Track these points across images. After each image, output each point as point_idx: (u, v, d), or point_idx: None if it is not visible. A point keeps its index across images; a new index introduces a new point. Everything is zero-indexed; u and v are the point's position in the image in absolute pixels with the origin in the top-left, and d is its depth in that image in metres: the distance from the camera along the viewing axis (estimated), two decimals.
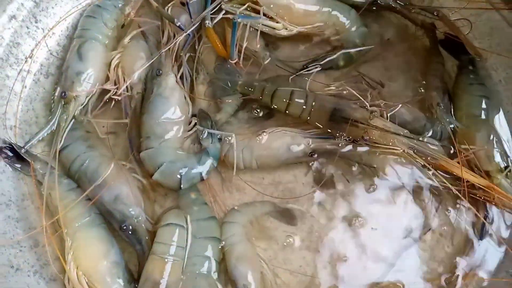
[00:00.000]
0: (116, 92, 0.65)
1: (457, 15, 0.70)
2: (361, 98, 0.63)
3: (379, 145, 0.61)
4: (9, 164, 0.60)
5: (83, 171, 0.60)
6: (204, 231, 0.58)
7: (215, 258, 0.57)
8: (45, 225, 0.57)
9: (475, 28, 0.70)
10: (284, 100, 0.63)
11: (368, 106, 0.62)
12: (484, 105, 0.65)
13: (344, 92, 0.65)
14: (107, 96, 0.65)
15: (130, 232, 0.57)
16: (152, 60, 0.65)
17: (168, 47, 0.65)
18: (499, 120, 0.66)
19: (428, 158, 0.60)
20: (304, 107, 0.63)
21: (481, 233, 0.61)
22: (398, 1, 0.69)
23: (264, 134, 0.63)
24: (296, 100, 0.63)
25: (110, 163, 0.60)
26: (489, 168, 0.62)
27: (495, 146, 0.62)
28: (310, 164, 0.64)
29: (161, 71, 0.64)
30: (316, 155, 0.62)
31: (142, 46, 0.67)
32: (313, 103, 0.62)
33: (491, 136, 0.63)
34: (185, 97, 0.65)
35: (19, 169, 0.61)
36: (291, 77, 0.67)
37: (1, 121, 0.62)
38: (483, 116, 0.65)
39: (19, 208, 0.60)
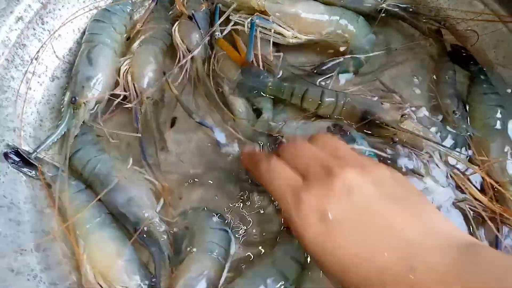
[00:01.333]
0: (126, 98, 0.64)
1: (464, 26, 0.71)
2: (395, 96, 0.63)
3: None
4: (16, 168, 0.60)
5: (96, 174, 0.59)
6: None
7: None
8: (54, 228, 0.57)
9: (481, 40, 0.70)
10: (315, 101, 0.63)
11: (399, 104, 0.62)
12: (499, 115, 0.65)
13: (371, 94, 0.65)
14: (116, 102, 0.64)
15: (144, 235, 0.56)
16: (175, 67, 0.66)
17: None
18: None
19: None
20: (335, 108, 0.62)
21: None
22: (406, 10, 0.70)
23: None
24: (327, 100, 0.63)
25: (121, 166, 0.59)
26: (502, 180, 0.61)
27: (509, 157, 0.62)
28: None
29: None
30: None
31: (151, 50, 0.66)
32: (344, 104, 0.62)
33: (506, 147, 0.62)
34: None
35: (26, 172, 0.60)
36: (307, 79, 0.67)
37: (5, 123, 0.61)
38: (498, 126, 0.64)
39: (21, 211, 0.58)
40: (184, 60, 0.66)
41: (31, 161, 0.60)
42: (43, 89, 0.66)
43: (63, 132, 0.62)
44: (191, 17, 0.67)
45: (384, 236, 0.37)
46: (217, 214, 0.60)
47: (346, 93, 0.64)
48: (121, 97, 0.64)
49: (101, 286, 0.53)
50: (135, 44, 0.67)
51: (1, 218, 0.56)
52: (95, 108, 0.64)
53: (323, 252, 0.38)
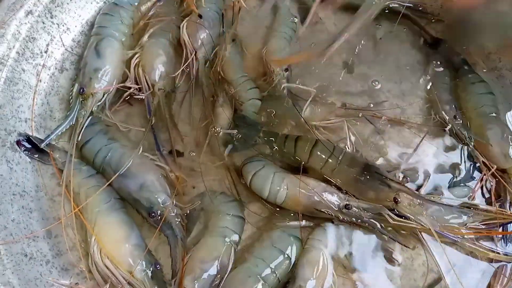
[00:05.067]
0: (139, 90, 0.66)
1: None
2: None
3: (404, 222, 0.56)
4: (29, 155, 0.62)
5: (107, 162, 0.61)
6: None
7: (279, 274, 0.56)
8: (63, 215, 0.58)
9: None
10: (306, 150, 0.60)
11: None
12: (491, 102, 0.64)
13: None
14: (126, 94, 0.66)
15: (159, 218, 0.58)
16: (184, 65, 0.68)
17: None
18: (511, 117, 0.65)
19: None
20: (330, 160, 0.59)
21: None
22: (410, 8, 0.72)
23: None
24: (319, 153, 0.60)
25: (132, 153, 0.61)
26: (506, 166, 0.61)
27: (511, 143, 0.61)
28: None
29: None
30: (348, 209, 0.57)
31: (160, 43, 0.68)
32: (341, 156, 0.59)
33: (505, 133, 0.62)
34: None
35: (38, 159, 0.62)
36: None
37: (17, 114, 0.63)
38: (493, 114, 0.64)
39: (33, 199, 0.61)
40: (188, 61, 0.67)
41: (42, 148, 0.62)
42: (52, 81, 0.68)
43: (72, 122, 0.63)
44: (201, 16, 0.68)
45: None
46: (233, 200, 0.62)
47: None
48: (132, 89, 0.66)
49: (107, 267, 0.55)
50: (145, 38, 0.68)
51: (15, 206, 0.58)
52: (103, 99, 0.65)
53: None
